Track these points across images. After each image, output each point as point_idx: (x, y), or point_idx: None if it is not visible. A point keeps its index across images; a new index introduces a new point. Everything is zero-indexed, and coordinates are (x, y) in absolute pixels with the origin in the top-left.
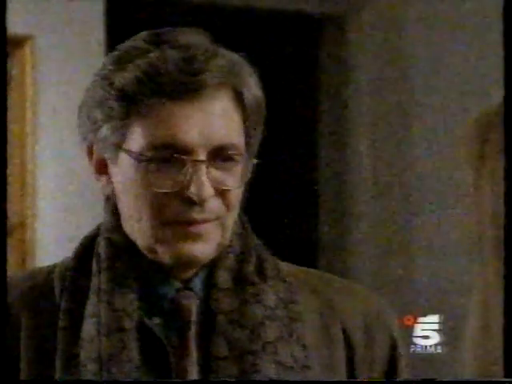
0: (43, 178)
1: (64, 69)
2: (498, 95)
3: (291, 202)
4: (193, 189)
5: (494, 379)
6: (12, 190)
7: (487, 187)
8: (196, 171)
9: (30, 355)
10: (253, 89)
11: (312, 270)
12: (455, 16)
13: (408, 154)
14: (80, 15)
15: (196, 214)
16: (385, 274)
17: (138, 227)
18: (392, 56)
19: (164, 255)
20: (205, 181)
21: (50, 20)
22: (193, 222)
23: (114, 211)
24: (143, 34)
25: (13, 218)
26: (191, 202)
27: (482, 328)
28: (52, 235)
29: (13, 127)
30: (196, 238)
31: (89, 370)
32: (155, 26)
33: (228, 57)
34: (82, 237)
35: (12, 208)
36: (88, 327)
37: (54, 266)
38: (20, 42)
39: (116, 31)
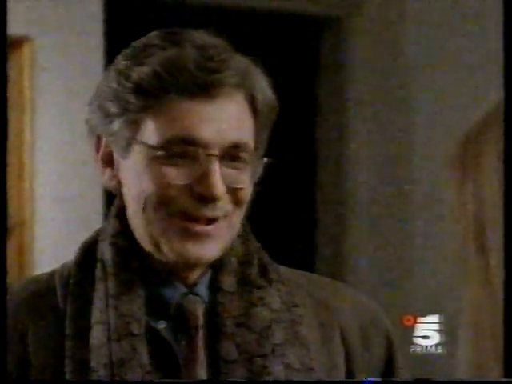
0: (41, 179)
1: (62, 70)
2: (497, 97)
3: (289, 204)
4: (205, 185)
5: (494, 379)
6: (10, 191)
7: (469, 201)
8: (209, 166)
9: (39, 361)
10: (266, 93)
11: (308, 274)
12: (454, 16)
13: (407, 155)
14: (78, 16)
15: (207, 211)
16: (383, 274)
17: (144, 220)
18: (391, 57)
19: (168, 252)
20: (218, 178)
21: (48, 21)
22: (201, 219)
23: (120, 215)
24: (155, 33)
25: (11, 220)
26: (201, 199)
27: (475, 327)
28: (50, 237)
29: (11, 128)
30: (205, 237)
31: (100, 375)
32: (155, 28)
33: (242, 59)
34: (79, 239)
35: (10, 210)
36: (97, 333)
37: (53, 272)
38: (18, 43)
39: (115, 32)
